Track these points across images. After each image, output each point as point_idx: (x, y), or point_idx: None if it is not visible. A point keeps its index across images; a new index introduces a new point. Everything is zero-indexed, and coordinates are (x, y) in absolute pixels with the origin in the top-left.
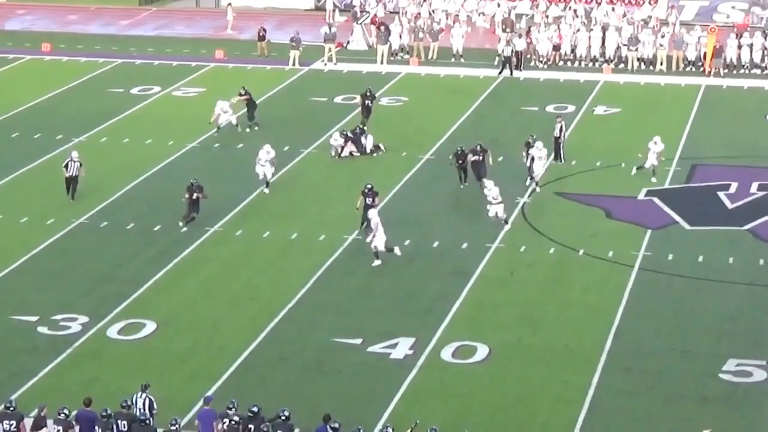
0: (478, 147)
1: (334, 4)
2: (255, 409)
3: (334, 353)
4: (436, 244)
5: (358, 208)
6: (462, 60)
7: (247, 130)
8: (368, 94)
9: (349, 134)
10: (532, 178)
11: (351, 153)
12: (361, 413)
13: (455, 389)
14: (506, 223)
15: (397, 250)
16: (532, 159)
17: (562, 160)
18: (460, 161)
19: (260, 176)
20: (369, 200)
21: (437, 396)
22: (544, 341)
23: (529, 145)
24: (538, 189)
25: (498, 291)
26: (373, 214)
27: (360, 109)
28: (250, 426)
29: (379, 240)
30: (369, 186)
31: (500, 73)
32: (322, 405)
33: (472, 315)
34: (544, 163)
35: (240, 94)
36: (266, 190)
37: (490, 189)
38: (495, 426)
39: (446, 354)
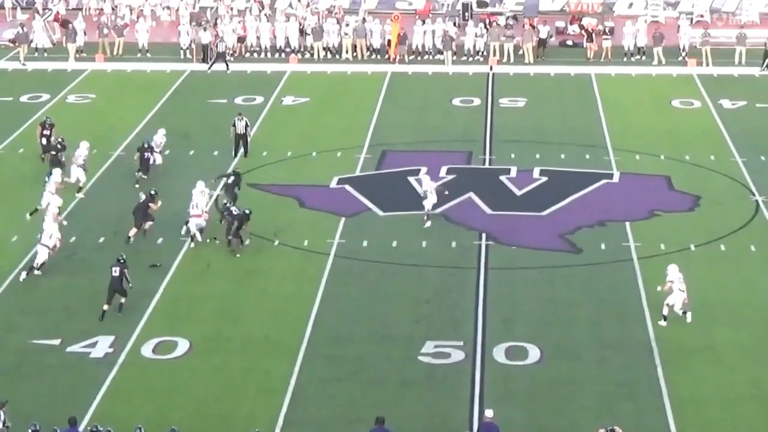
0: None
1: (13, 2)
2: None
3: (32, 355)
4: (131, 240)
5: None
6: (148, 55)
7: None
8: (146, 146)
9: None
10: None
11: None
12: (62, 414)
13: (158, 385)
14: None
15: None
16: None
17: (246, 154)
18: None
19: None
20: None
21: (140, 393)
22: (244, 333)
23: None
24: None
25: (196, 284)
26: None
27: (138, 162)
28: None
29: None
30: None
31: (210, 67)
32: (23, 408)
33: (171, 310)
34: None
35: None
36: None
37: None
38: (200, 420)
39: (147, 350)
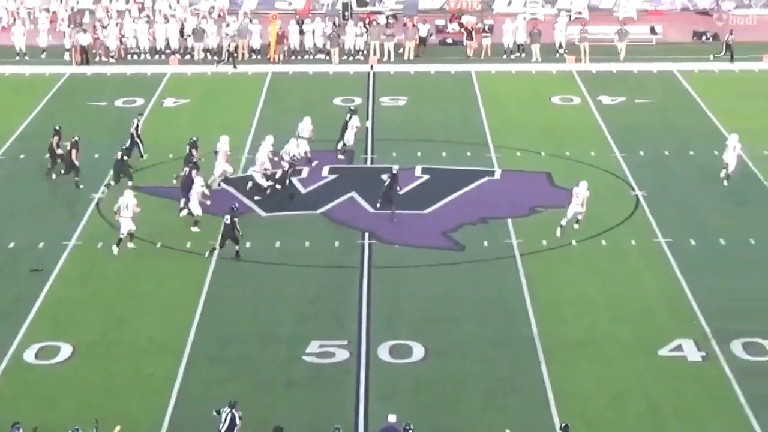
0: None
1: None
2: None
3: None
4: (12, 245)
5: None
6: (27, 58)
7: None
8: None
9: None
10: None
11: None
12: None
13: (41, 390)
14: None
15: None
16: None
17: (143, 156)
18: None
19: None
20: None
21: (24, 398)
22: (127, 336)
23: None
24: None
25: (78, 288)
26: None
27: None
28: None
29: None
30: None
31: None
32: None
33: (54, 314)
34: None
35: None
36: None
37: None
38: (85, 424)
39: (29, 356)
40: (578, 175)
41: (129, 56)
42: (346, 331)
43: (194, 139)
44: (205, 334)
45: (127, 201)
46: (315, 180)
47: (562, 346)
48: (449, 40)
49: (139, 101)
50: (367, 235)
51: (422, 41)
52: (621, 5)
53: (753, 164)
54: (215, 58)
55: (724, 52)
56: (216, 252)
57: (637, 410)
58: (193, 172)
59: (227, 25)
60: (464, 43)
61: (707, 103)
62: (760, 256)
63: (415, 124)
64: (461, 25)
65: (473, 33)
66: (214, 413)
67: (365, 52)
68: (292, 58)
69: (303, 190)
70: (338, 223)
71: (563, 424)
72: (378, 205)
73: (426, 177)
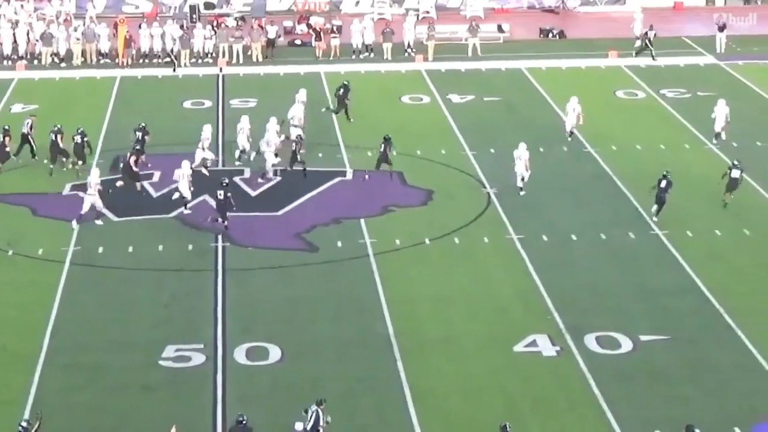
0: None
1: None
2: None
3: None
4: None
5: None
6: None
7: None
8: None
9: None
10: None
11: None
12: None
13: None
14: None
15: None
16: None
17: (35, 156)
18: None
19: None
20: None
21: None
22: None
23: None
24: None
25: None
26: None
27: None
28: None
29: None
30: None
31: None
32: None
33: None
34: None
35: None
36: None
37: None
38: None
39: None
40: (429, 173)
41: None
42: (201, 335)
43: (143, 125)
44: (60, 341)
45: (93, 179)
46: (167, 184)
47: (418, 344)
48: (298, 42)
49: None
50: (220, 237)
51: (270, 43)
52: (468, 4)
53: (603, 161)
54: (65, 63)
55: (644, 48)
56: (227, 225)
57: (494, 406)
58: (142, 157)
59: (75, 29)
60: (313, 44)
61: (555, 99)
62: (611, 251)
63: (265, 125)
64: (309, 26)
65: (321, 34)
66: (303, 413)
67: (214, 55)
68: (141, 61)
69: (154, 194)
70: (191, 227)
71: (502, 424)
72: (375, 169)
73: (278, 179)
